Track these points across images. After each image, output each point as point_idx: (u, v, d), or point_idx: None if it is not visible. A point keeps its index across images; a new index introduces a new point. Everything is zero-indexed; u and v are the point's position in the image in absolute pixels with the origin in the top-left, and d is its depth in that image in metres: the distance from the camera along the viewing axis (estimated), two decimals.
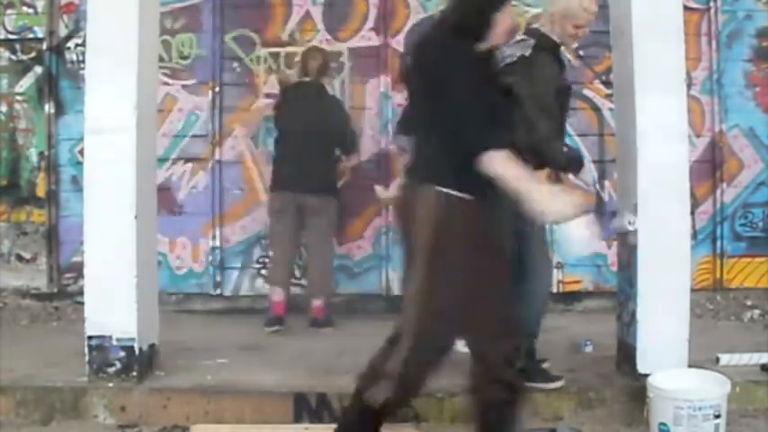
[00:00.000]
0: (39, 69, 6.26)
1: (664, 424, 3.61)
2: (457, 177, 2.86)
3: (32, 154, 6.30)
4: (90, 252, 4.18)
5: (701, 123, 6.12)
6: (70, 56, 6.24)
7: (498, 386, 2.96)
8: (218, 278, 6.21)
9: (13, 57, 6.29)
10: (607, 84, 5.94)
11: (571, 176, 4.45)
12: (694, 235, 5.96)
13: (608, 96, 5.95)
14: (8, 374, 4.26)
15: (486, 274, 2.90)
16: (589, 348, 4.79)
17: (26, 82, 6.29)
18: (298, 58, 5.86)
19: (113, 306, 4.12)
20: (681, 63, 4.08)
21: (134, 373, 4.16)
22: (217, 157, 6.19)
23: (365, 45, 6.22)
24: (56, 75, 6.24)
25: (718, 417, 3.56)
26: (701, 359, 4.14)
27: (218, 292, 6.22)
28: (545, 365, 4.24)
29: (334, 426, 3.31)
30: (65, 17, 6.25)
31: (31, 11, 6.26)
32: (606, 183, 6.10)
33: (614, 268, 5.14)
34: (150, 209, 4.41)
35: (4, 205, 6.31)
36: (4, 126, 6.32)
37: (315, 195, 5.51)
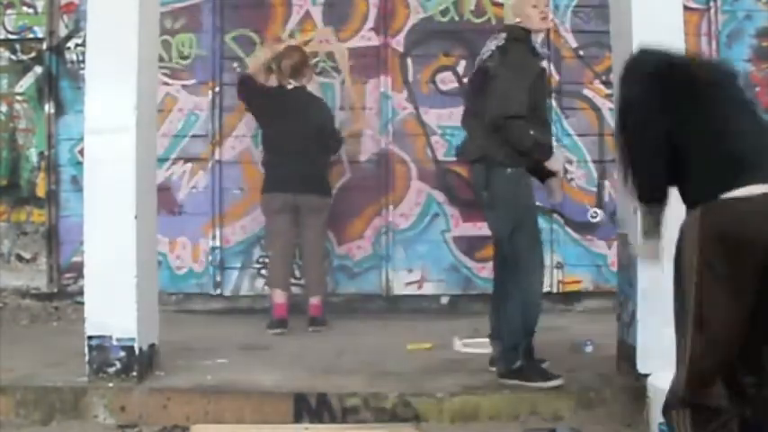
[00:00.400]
0: (39, 69, 6.25)
1: (664, 424, 3.60)
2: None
3: (32, 154, 6.29)
4: (90, 252, 4.18)
5: None
6: (70, 56, 6.24)
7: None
8: (218, 278, 6.21)
9: (13, 57, 6.28)
10: (607, 84, 5.94)
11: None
12: None
13: (608, 96, 5.95)
14: (8, 374, 4.26)
15: None
16: (589, 348, 4.79)
17: (26, 82, 6.29)
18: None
19: (113, 306, 4.12)
20: None
21: (134, 373, 4.16)
22: (217, 157, 6.19)
23: (365, 45, 6.21)
24: (56, 75, 6.23)
25: None
26: None
27: (218, 292, 6.21)
28: (544, 365, 4.25)
29: (334, 426, 3.31)
30: (65, 17, 6.25)
31: (31, 11, 6.25)
32: (606, 183, 6.10)
33: (614, 268, 5.14)
34: (150, 209, 4.41)
35: (4, 205, 6.31)
36: (4, 126, 6.31)
37: (310, 195, 5.54)
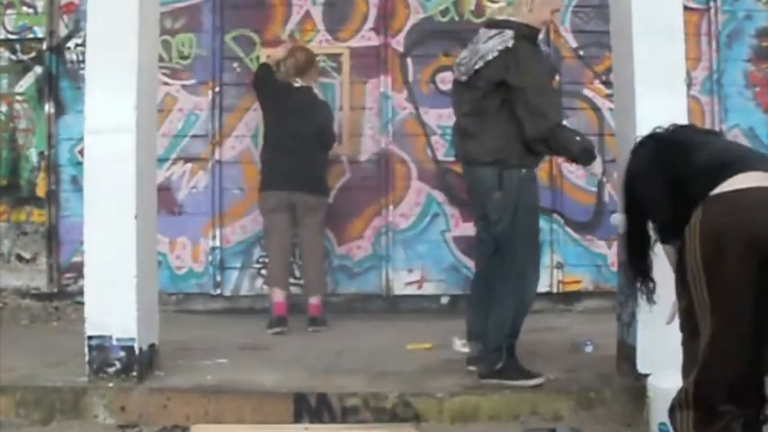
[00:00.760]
0: (39, 69, 6.25)
1: (664, 424, 3.59)
2: None
3: (32, 154, 6.30)
4: (90, 252, 4.18)
5: (701, 123, 6.09)
6: (70, 56, 6.24)
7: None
8: (218, 278, 6.21)
9: (13, 57, 6.28)
10: (607, 84, 5.94)
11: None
12: None
13: (608, 96, 5.94)
14: (8, 374, 4.25)
15: None
16: (589, 348, 4.79)
17: (26, 82, 6.29)
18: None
19: (113, 306, 4.12)
20: (681, 63, 4.08)
21: (134, 373, 4.15)
22: (217, 157, 6.19)
23: (365, 45, 6.22)
24: (56, 75, 6.24)
25: None
26: None
27: (218, 292, 6.22)
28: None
29: (334, 426, 3.31)
30: (65, 17, 6.25)
31: (31, 11, 6.25)
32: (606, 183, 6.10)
33: (614, 268, 5.14)
34: (150, 209, 4.41)
35: (4, 205, 6.31)
36: (4, 126, 6.32)
37: (308, 194, 5.55)
